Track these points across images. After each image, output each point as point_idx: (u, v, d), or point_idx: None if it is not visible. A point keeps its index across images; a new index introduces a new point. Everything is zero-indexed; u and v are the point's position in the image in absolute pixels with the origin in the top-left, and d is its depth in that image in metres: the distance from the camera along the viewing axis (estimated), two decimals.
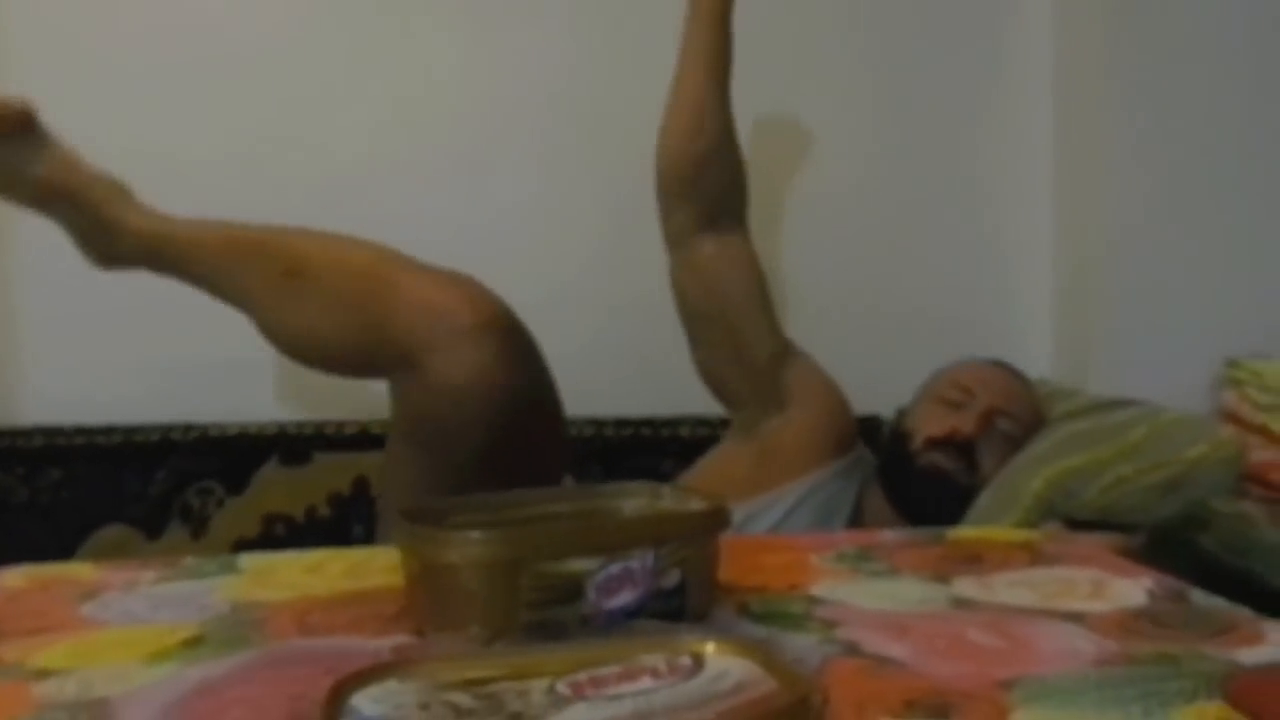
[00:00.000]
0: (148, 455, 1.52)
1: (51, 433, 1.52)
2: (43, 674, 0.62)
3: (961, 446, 1.28)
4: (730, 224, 1.36)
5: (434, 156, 1.66)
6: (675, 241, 1.37)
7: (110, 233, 1.13)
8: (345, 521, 1.53)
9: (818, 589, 0.78)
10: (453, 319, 0.99)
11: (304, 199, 1.63)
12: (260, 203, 1.61)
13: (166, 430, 1.53)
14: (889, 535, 0.98)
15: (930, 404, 1.35)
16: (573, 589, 0.65)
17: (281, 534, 1.52)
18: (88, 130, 1.60)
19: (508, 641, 0.63)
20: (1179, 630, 0.69)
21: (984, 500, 1.23)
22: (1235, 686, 0.58)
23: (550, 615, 0.65)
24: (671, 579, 0.69)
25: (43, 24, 1.59)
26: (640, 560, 0.67)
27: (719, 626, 0.69)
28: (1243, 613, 0.73)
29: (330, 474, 1.53)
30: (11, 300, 1.59)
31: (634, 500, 0.79)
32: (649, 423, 1.62)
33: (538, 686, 0.52)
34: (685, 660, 0.55)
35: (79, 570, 0.87)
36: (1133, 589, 0.79)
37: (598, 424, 1.60)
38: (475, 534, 0.67)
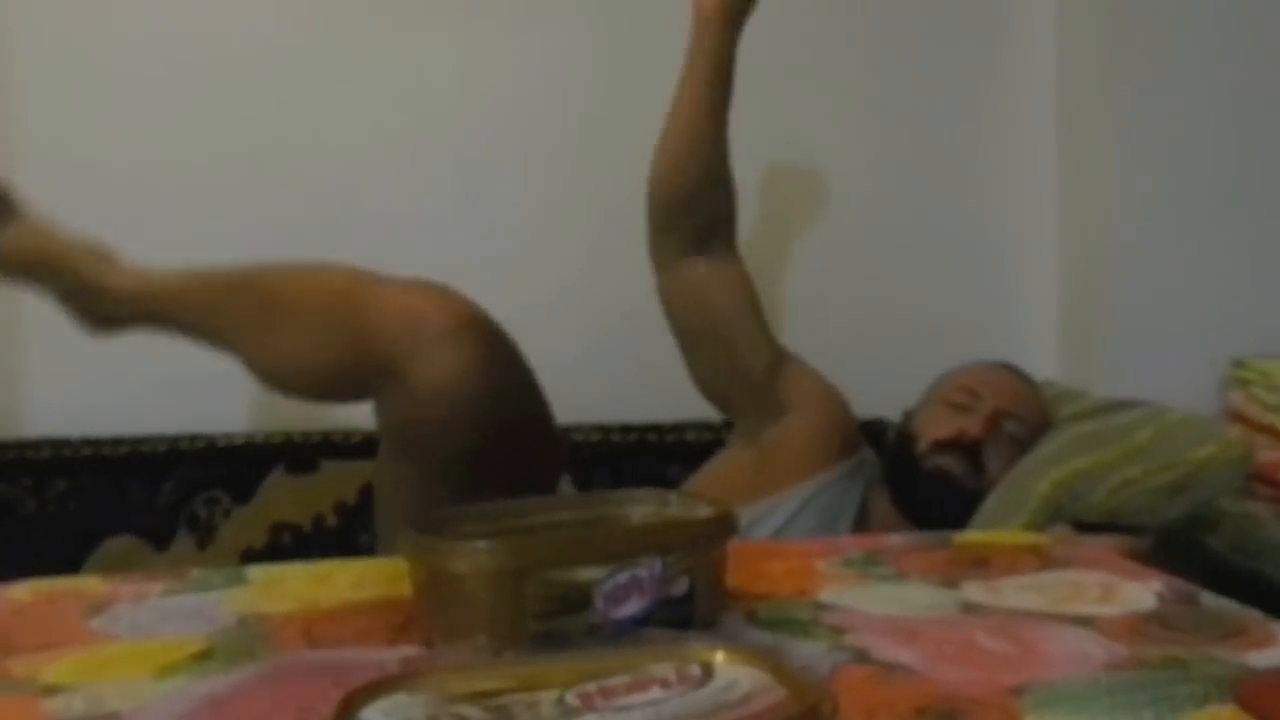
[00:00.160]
0: (154, 465, 1.52)
1: (58, 444, 1.53)
2: (52, 690, 0.62)
3: (968, 449, 1.28)
4: (720, 247, 1.35)
5: (434, 161, 1.67)
6: (663, 263, 1.36)
7: (94, 295, 1.15)
8: (352, 530, 1.53)
9: (825, 594, 0.78)
10: (427, 325, 1.00)
11: (302, 203, 1.64)
12: (258, 207, 1.63)
13: (173, 440, 1.53)
14: (896, 539, 0.98)
15: (936, 407, 1.35)
16: (580, 598, 0.65)
17: (288, 543, 1.53)
18: (88, 135, 1.62)
19: (515, 651, 0.62)
20: (1189, 634, 0.69)
21: (991, 503, 1.23)
22: (1246, 690, 0.58)
23: (558, 624, 0.64)
24: (680, 587, 0.68)
25: (42, 31, 1.60)
26: (648, 568, 0.67)
27: (727, 634, 0.68)
28: (1253, 615, 0.72)
29: (337, 483, 1.53)
30: (18, 311, 1.60)
31: (641, 507, 0.79)
32: (654, 428, 1.62)
33: (547, 698, 0.52)
34: (694, 669, 0.55)
35: (87, 583, 0.87)
36: (1142, 592, 0.79)
37: (603, 430, 1.60)
38: (482, 543, 0.67)
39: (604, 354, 1.62)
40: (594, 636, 0.65)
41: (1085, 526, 1.17)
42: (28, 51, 1.58)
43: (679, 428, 1.61)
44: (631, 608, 0.66)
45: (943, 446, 1.29)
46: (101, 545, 1.50)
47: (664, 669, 0.55)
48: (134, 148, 1.61)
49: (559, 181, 1.68)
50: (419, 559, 0.68)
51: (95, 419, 1.55)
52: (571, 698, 0.52)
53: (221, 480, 1.53)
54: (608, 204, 1.66)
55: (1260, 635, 0.68)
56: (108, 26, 1.60)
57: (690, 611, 0.69)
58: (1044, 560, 0.89)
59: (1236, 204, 1.60)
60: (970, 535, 1.03)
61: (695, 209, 1.33)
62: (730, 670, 0.54)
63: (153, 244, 1.62)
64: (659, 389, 1.61)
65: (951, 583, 0.81)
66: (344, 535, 1.53)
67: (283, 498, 1.53)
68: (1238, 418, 1.51)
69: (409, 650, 0.67)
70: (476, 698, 0.53)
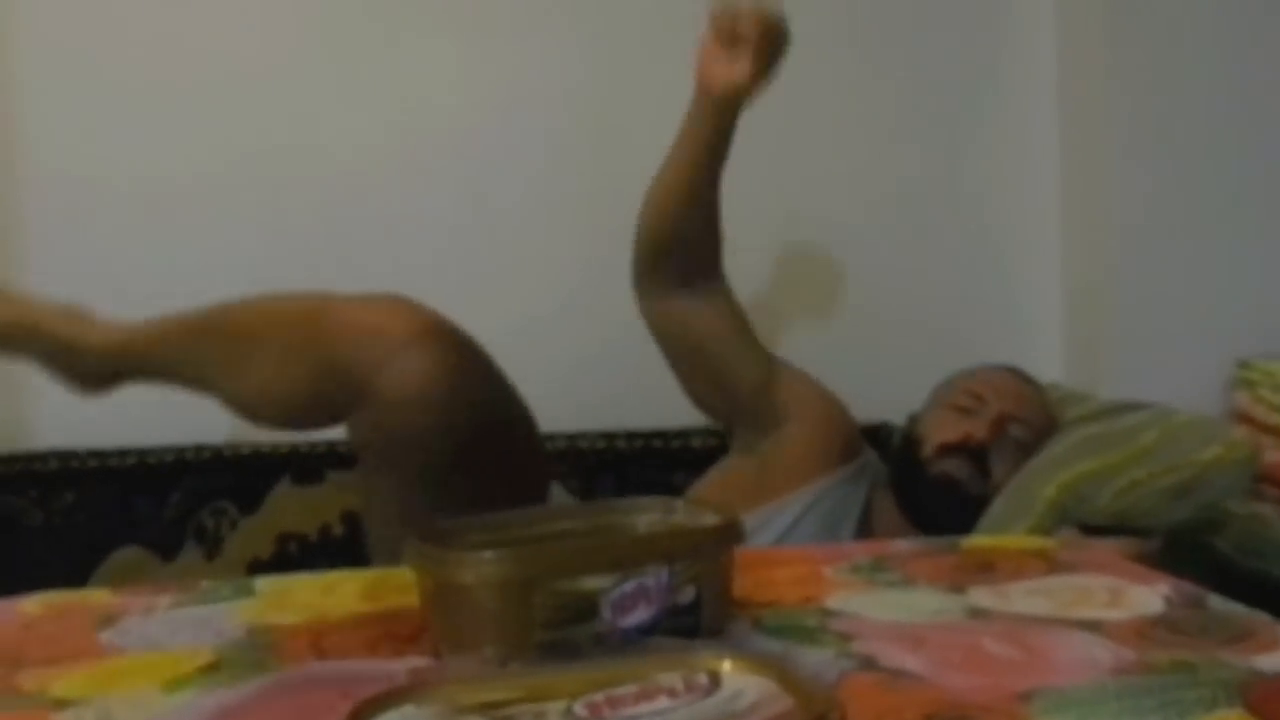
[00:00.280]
0: (161, 477, 1.53)
1: (65, 456, 1.53)
2: (61, 704, 0.62)
3: (974, 453, 1.28)
4: (705, 280, 1.34)
5: (436, 170, 1.67)
6: (646, 294, 1.35)
7: (74, 355, 1.16)
8: (359, 539, 1.53)
9: (832, 601, 0.78)
10: (388, 335, 1.01)
11: (305, 214, 1.65)
12: (261, 219, 1.64)
13: (180, 451, 1.54)
14: (902, 545, 0.98)
15: (942, 410, 1.34)
16: (587, 607, 0.65)
17: (295, 553, 1.53)
18: (90, 149, 1.62)
19: (523, 662, 0.63)
20: (1196, 637, 0.69)
21: (997, 507, 1.22)
22: (1255, 694, 0.58)
23: (565, 634, 0.65)
24: (686, 595, 0.68)
25: (43, 46, 1.60)
26: (655, 577, 0.67)
27: (734, 642, 0.68)
28: (1261, 618, 0.72)
29: (343, 492, 1.53)
30: None
31: (646, 515, 0.79)
32: (659, 434, 1.62)
33: (554, 708, 0.52)
34: (702, 679, 0.55)
35: (96, 596, 0.87)
36: (1149, 596, 0.78)
37: (608, 436, 1.60)
38: (488, 554, 0.67)
39: (608, 360, 1.62)
40: (601, 646, 0.65)
41: (1092, 530, 1.17)
42: (29, 67, 1.58)
43: (684, 434, 1.61)
44: (638, 616, 0.66)
45: (948, 450, 1.29)
46: (109, 557, 1.50)
47: (671, 678, 0.55)
48: (136, 165, 1.61)
49: (562, 189, 1.68)
50: (426, 570, 0.69)
51: (102, 431, 1.55)
52: (579, 708, 0.52)
53: (228, 491, 1.53)
54: (611, 211, 1.66)
55: (1268, 639, 0.68)
56: (110, 44, 1.61)
57: (697, 620, 0.69)
58: (1051, 564, 0.89)
59: (1240, 204, 1.60)
60: (977, 540, 1.03)
61: (682, 255, 1.32)
62: (737, 679, 0.54)
63: (157, 257, 1.64)
64: (663, 395, 1.60)
65: (958, 588, 0.81)
66: (350, 545, 1.53)
67: (289, 508, 1.53)
68: (1243, 418, 1.50)
69: (417, 661, 0.67)
70: (484, 708, 0.53)
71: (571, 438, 1.60)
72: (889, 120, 1.76)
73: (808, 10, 1.73)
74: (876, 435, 1.53)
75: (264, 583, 0.88)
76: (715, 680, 0.55)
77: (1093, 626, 0.71)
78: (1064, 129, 1.72)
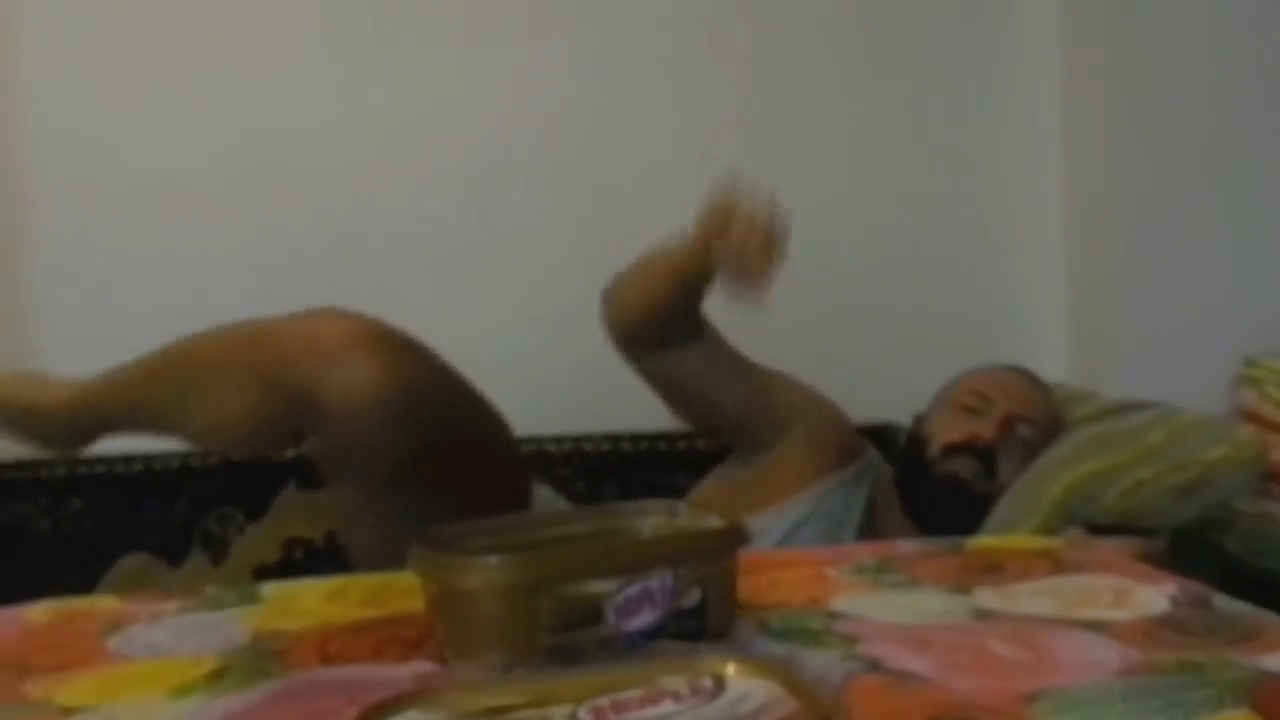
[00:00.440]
0: (168, 483, 1.53)
1: (72, 462, 1.53)
2: (68, 711, 0.62)
3: (981, 453, 1.27)
4: (683, 338, 1.30)
5: (440, 176, 1.67)
6: (623, 356, 1.33)
7: (36, 418, 1.17)
8: None
9: (837, 603, 0.78)
10: (326, 345, 1.01)
11: (310, 223, 1.65)
12: (265, 229, 1.64)
13: (185, 457, 1.54)
14: (907, 546, 0.98)
15: (948, 410, 1.34)
16: (592, 611, 0.65)
17: (301, 558, 1.53)
18: (94, 155, 1.63)
19: (528, 667, 0.63)
20: (1203, 637, 0.68)
21: (1003, 507, 1.22)
22: (1261, 694, 0.58)
23: (570, 639, 0.65)
24: (691, 598, 0.68)
25: (47, 56, 1.61)
26: (659, 580, 0.67)
27: (739, 645, 0.68)
28: (1267, 617, 0.72)
29: None
30: (30, 330, 1.61)
31: (651, 519, 0.79)
32: (664, 436, 1.62)
33: (559, 713, 0.52)
34: (706, 682, 0.55)
35: (103, 603, 0.87)
36: (1155, 596, 0.78)
37: (614, 439, 1.61)
38: (493, 559, 0.67)
39: (613, 363, 1.62)
40: (606, 650, 0.65)
41: (1098, 529, 1.17)
42: (33, 74, 1.59)
43: (689, 435, 1.61)
44: (643, 620, 0.66)
45: (955, 450, 1.28)
46: (116, 563, 1.51)
47: (676, 682, 0.55)
48: (139, 175, 1.62)
49: (564, 192, 1.68)
50: (431, 575, 0.69)
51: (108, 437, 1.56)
52: (584, 713, 0.52)
53: (234, 497, 1.53)
54: (613, 214, 1.67)
55: (1275, 638, 0.68)
56: (113, 54, 1.61)
57: (702, 623, 0.69)
58: (1056, 564, 0.89)
59: (1244, 201, 1.60)
60: (982, 540, 1.03)
61: (659, 339, 1.29)
62: (742, 682, 0.54)
63: (162, 263, 1.64)
64: None
65: (964, 589, 0.81)
66: None
67: (295, 514, 1.54)
68: (1250, 416, 1.50)
69: (422, 666, 0.67)
70: (489, 713, 0.53)
71: (577, 440, 1.60)
72: (892, 121, 1.75)
73: (811, 15, 1.74)
74: (881, 435, 1.52)
75: (270, 589, 0.89)
76: (720, 684, 0.55)
77: (1098, 627, 0.71)
78: (1067, 129, 1.71)
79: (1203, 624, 0.71)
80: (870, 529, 1.32)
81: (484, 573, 0.65)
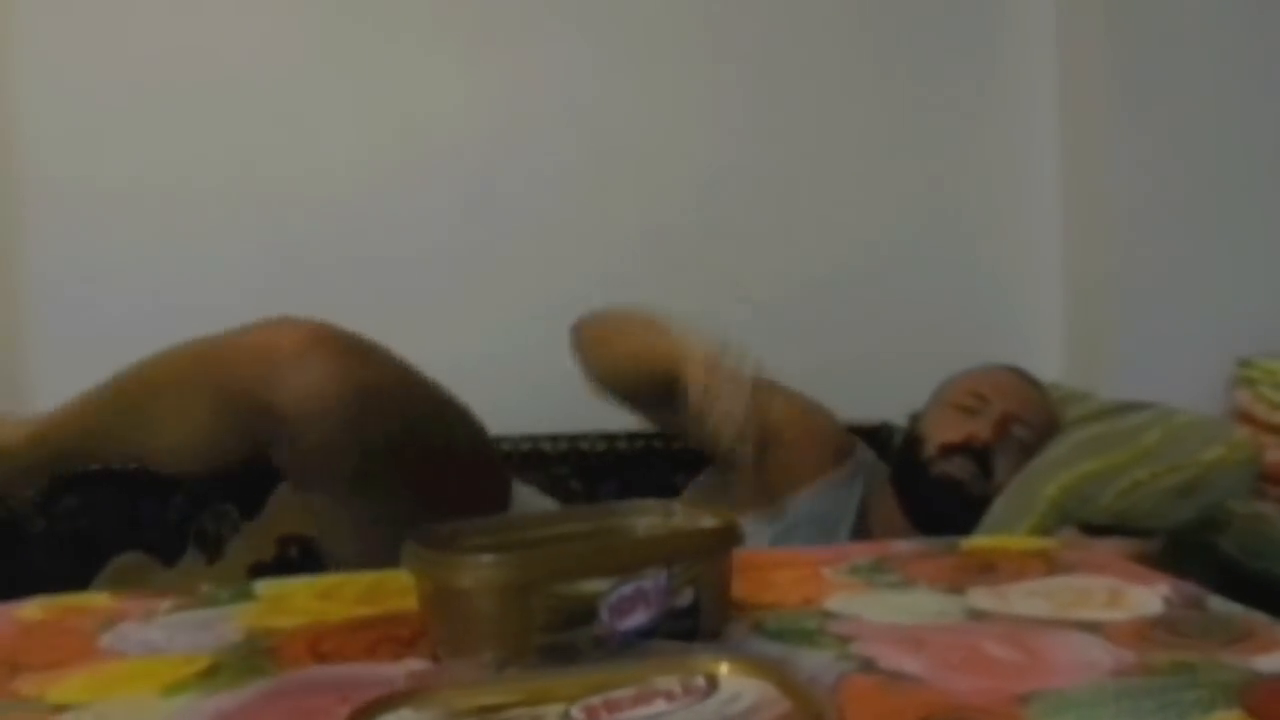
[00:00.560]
0: (162, 481, 1.52)
1: None
2: (60, 709, 0.62)
3: (977, 454, 1.27)
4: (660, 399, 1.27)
5: (440, 176, 1.67)
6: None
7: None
8: None
9: (831, 603, 0.78)
10: (276, 352, 1.00)
11: (307, 226, 1.65)
12: (262, 231, 1.64)
13: None
14: (902, 546, 0.98)
15: (944, 410, 1.34)
16: (586, 611, 0.65)
17: (296, 556, 1.53)
18: (92, 156, 1.63)
19: (521, 665, 0.62)
20: (1196, 638, 0.68)
21: (998, 507, 1.22)
22: (1254, 696, 0.58)
23: (563, 638, 0.64)
24: (685, 598, 0.68)
25: (44, 56, 1.61)
26: (653, 580, 0.67)
27: (733, 645, 0.68)
28: (1260, 619, 0.72)
29: None
30: (24, 327, 1.61)
31: (645, 518, 0.79)
32: (661, 435, 1.62)
33: (552, 712, 0.52)
34: (699, 682, 0.55)
35: (96, 600, 0.87)
36: (1149, 596, 0.78)
37: (610, 438, 1.61)
38: (487, 557, 0.67)
39: None
40: (599, 649, 0.65)
41: (1094, 529, 1.17)
42: (30, 74, 1.59)
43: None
44: (637, 619, 0.66)
45: (951, 451, 1.28)
46: (111, 562, 1.51)
47: (669, 681, 0.55)
48: (139, 174, 1.62)
49: (564, 193, 1.68)
50: (424, 573, 0.69)
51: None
52: (577, 712, 0.52)
53: (229, 494, 1.53)
54: (614, 216, 1.67)
55: (1267, 640, 0.68)
56: (113, 54, 1.61)
57: (696, 622, 0.69)
58: (1051, 565, 0.89)
59: (1240, 202, 1.60)
60: (977, 540, 1.03)
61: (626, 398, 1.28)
62: (735, 682, 0.54)
63: (159, 263, 1.64)
64: None
65: (958, 589, 0.81)
66: None
67: (290, 511, 1.53)
68: (1244, 417, 1.50)
69: (415, 665, 0.67)
70: (482, 712, 0.53)
71: (573, 439, 1.60)
72: (890, 121, 1.76)
73: (811, 16, 1.74)
74: (877, 435, 1.52)
75: (263, 586, 0.89)
76: (713, 683, 0.54)
77: (1092, 628, 0.71)
78: (1065, 130, 1.72)
79: (1196, 625, 0.72)
80: (864, 529, 1.32)
81: (478, 571, 0.65)
